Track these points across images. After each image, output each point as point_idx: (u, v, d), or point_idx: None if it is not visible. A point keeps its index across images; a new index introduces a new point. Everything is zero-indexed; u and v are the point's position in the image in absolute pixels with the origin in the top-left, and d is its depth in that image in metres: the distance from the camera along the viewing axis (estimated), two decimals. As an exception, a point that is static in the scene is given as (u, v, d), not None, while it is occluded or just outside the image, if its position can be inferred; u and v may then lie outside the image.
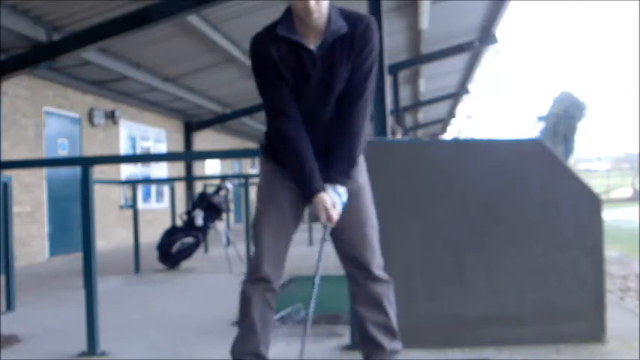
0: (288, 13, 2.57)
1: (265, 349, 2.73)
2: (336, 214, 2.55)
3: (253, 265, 2.71)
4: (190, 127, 15.20)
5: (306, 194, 2.58)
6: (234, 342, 2.73)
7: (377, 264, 2.73)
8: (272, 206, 2.70)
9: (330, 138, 2.61)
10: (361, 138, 2.63)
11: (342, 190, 2.58)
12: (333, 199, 2.55)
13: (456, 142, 5.94)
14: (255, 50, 2.60)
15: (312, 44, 2.55)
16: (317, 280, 2.58)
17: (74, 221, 9.10)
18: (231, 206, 9.70)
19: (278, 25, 2.57)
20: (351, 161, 2.62)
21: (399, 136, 8.95)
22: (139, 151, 13.13)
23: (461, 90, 20.49)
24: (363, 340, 2.80)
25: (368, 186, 2.79)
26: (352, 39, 2.54)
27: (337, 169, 2.58)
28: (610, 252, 7.91)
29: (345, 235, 2.68)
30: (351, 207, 2.64)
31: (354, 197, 2.67)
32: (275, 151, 2.68)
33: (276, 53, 2.54)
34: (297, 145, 2.57)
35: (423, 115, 23.76)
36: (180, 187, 13.67)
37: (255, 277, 2.68)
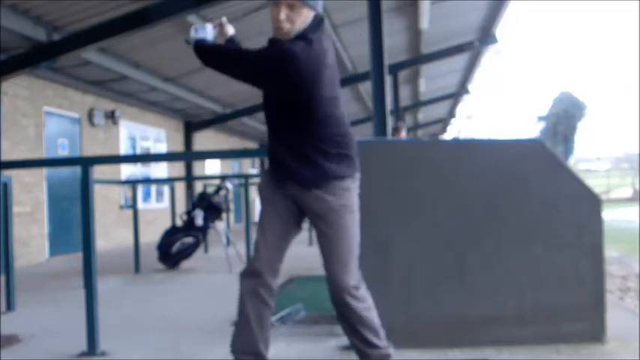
0: None
1: (265, 348, 2.76)
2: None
3: (249, 261, 2.84)
4: (190, 127, 15.20)
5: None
6: (232, 337, 2.83)
7: (345, 284, 2.68)
8: (269, 209, 2.80)
9: (294, 142, 2.67)
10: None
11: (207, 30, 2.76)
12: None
13: (456, 142, 5.94)
14: None
15: None
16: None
17: (74, 221, 9.11)
18: (231, 206, 9.70)
19: None
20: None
21: (403, 133, 8.88)
22: (139, 151, 13.13)
23: (461, 90, 20.49)
24: (352, 344, 2.86)
25: (355, 209, 2.73)
26: None
27: None
28: (610, 252, 7.91)
29: (321, 246, 2.75)
30: (329, 221, 2.69)
31: (333, 213, 2.68)
32: (270, 155, 2.79)
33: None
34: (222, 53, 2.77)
35: (423, 115, 23.76)
36: (180, 187, 13.67)
37: (248, 271, 2.79)
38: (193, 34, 2.74)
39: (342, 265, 2.69)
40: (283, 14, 2.54)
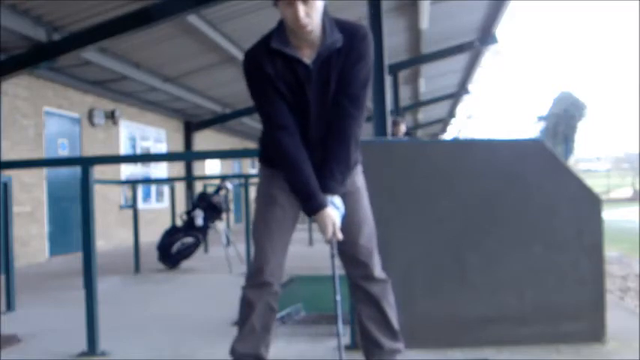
0: (281, 26, 2.53)
1: (265, 350, 2.74)
2: (338, 229, 2.55)
3: (254, 269, 2.69)
4: (190, 127, 15.20)
5: (309, 209, 2.55)
6: (233, 342, 2.74)
7: (375, 264, 2.74)
8: (270, 208, 2.69)
9: (324, 149, 2.58)
10: (356, 146, 2.61)
11: (338, 202, 2.56)
12: (335, 213, 2.54)
13: (456, 142, 5.94)
14: (249, 65, 2.57)
15: (307, 57, 2.52)
16: (338, 298, 2.56)
17: (74, 221, 9.10)
18: (231, 206, 9.70)
19: (271, 38, 2.53)
20: (347, 170, 2.60)
21: (402, 127, 8.80)
22: (139, 151, 13.13)
23: (461, 90, 20.48)
24: (362, 339, 2.83)
25: (365, 188, 2.80)
26: (348, 52, 2.52)
27: (335, 179, 2.55)
28: (610, 252, 7.92)
29: (344, 236, 2.66)
30: (350, 208, 2.65)
31: (352, 199, 2.68)
32: (270, 155, 2.68)
33: (270, 68, 2.51)
34: (296, 160, 2.54)
35: (423, 115, 23.75)
36: (180, 187, 13.66)
37: (257, 282, 2.67)
38: None
39: (369, 246, 2.71)
40: (302, 12, 2.38)
